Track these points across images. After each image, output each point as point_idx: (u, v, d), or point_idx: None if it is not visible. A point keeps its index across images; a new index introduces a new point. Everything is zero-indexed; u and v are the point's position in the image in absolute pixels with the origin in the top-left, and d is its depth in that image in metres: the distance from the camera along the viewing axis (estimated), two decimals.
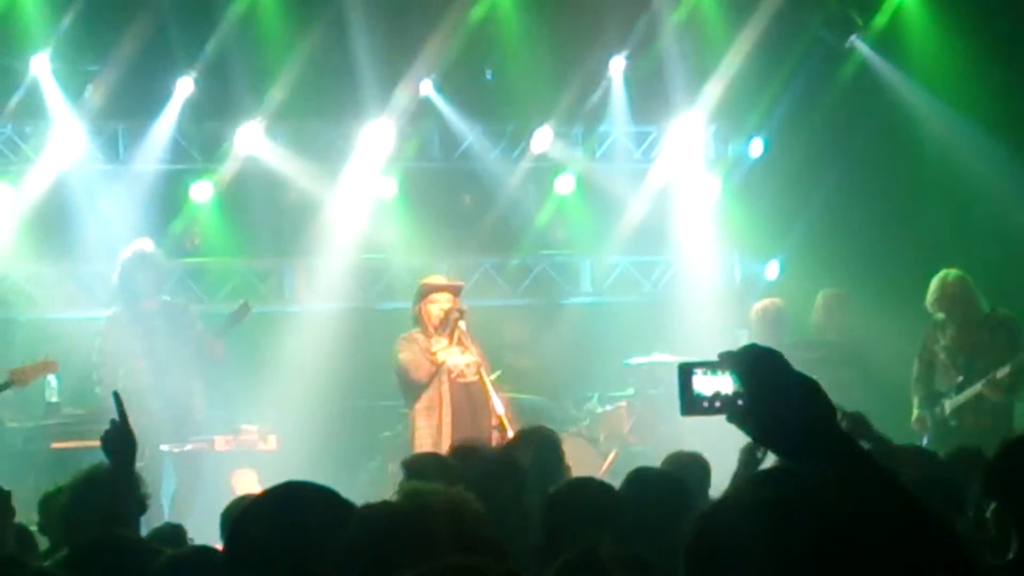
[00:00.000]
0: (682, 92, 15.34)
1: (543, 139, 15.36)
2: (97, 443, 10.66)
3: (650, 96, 15.48)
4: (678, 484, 5.93)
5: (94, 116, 14.04)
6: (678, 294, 15.93)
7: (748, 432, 2.68)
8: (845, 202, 14.60)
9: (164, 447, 11.95)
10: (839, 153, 14.64)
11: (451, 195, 15.72)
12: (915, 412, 11.97)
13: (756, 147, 15.91)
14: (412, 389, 11.45)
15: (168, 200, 14.49)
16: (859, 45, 14.93)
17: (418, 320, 11.65)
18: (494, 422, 11.15)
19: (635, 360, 14.35)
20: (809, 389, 2.68)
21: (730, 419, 2.71)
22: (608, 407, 14.15)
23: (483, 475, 5.92)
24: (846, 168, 14.59)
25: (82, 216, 14.06)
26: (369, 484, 12.34)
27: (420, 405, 11.39)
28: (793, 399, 2.65)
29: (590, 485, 5.99)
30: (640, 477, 6.01)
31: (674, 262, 16.27)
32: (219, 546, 4.19)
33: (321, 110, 14.75)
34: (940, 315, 11.94)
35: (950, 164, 14.16)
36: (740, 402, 2.70)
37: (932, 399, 11.94)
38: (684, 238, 15.95)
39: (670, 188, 15.84)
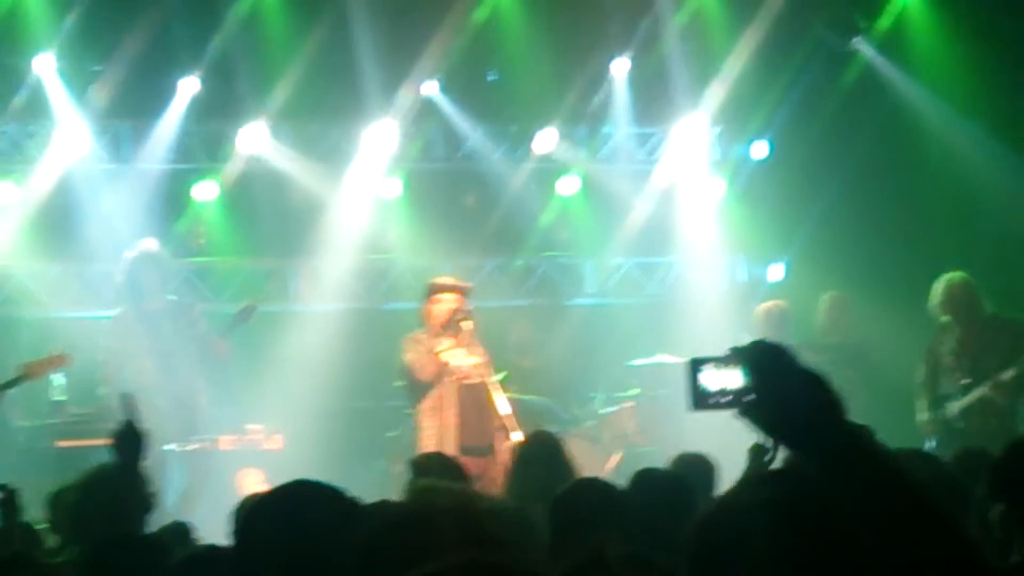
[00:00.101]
0: (686, 94, 15.35)
1: (547, 140, 15.36)
2: (102, 441, 10.72)
3: (654, 97, 15.49)
4: (683, 484, 5.94)
5: (98, 115, 14.06)
6: (682, 296, 15.92)
7: (757, 426, 2.68)
8: (849, 204, 14.60)
9: (169, 446, 11.95)
10: (843, 155, 14.64)
11: (455, 196, 15.74)
12: (921, 415, 11.95)
13: (760, 149, 15.91)
14: (417, 389, 11.44)
15: (172, 200, 14.52)
16: (863, 47, 14.94)
17: (424, 320, 11.65)
18: (499, 423, 11.14)
19: (639, 361, 14.36)
20: (817, 383, 2.69)
21: (739, 414, 2.72)
22: (612, 408, 14.15)
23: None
24: (850, 170, 14.58)
25: (86, 215, 14.08)
26: (373, 484, 12.31)
27: (425, 405, 11.39)
28: (801, 393, 2.66)
29: (596, 485, 5.99)
30: (645, 478, 6.02)
31: (678, 264, 16.27)
32: (226, 544, 4.19)
33: (325, 110, 14.76)
34: (945, 318, 11.93)
35: (954, 166, 14.17)
36: (749, 397, 2.71)
37: (938, 402, 11.92)
38: (688, 240, 15.96)
39: (674, 190, 15.84)
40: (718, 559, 2.63)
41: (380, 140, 14.81)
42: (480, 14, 14.55)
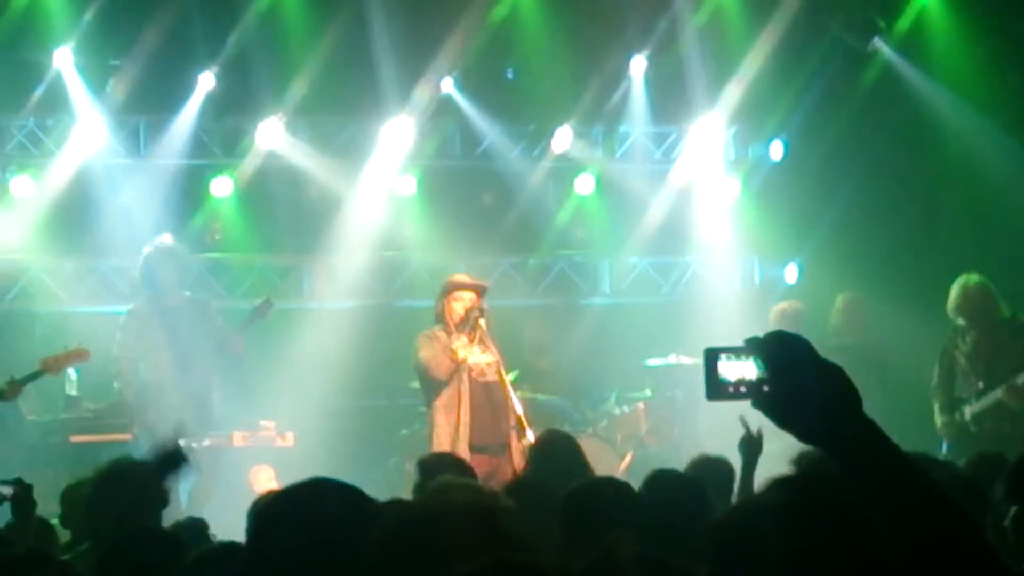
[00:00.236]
0: (702, 93, 15.33)
1: (563, 139, 15.35)
2: (116, 437, 10.80)
3: (670, 97, 15.48)
4: (698, 486, 5.93)
5: (116, 110, 14.07)
6: (697, 296, 15.92)
7: (772, 417, 2.67)
8: (865, 205, 14.58)
9: (181, 442, 11.95)
10: (859, 156, 14.63)
11: (471, 194, 15.73)
12: (936, 418, 11.93)
13: (776, 150, 15.89)
14: (432, 387, 11.43)
15: (189, 195, 14.53)
16: (882, 48, 14.90)
17: (440, 317, 11.64)
18: (512, 422, 11.14)
19: (653, 361, 14.36)
20: (833, 375, 2.67)
21: (755, 404, 2.71)
22: (625, 408, 14.15)
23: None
24: (866, 171, 14.57)
25: (103, 210, 14.10)
26: (386, 482, 12.33)
27: (439, 403, 11.37)
28: (816, 384, 2.65)
29: (609, 485, 5.98)
30: (659, 479, 6.00)
31: (693, 264, 16.27)
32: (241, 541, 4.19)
33: (342, 106, 14.76)
34: (961, 321, 11.91)
35: (972, 167, 14.14)
36: (765, 387, 2.70)
37: (952, 405, 11.90)
38: (703, 240, 15.95)
39: (690, 189, 15.83)
40: (738, 560, 2.63)
41: (396, 137, 14.81)
42: (498, 12, 14.55)
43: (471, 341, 11.46)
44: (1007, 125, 13.81)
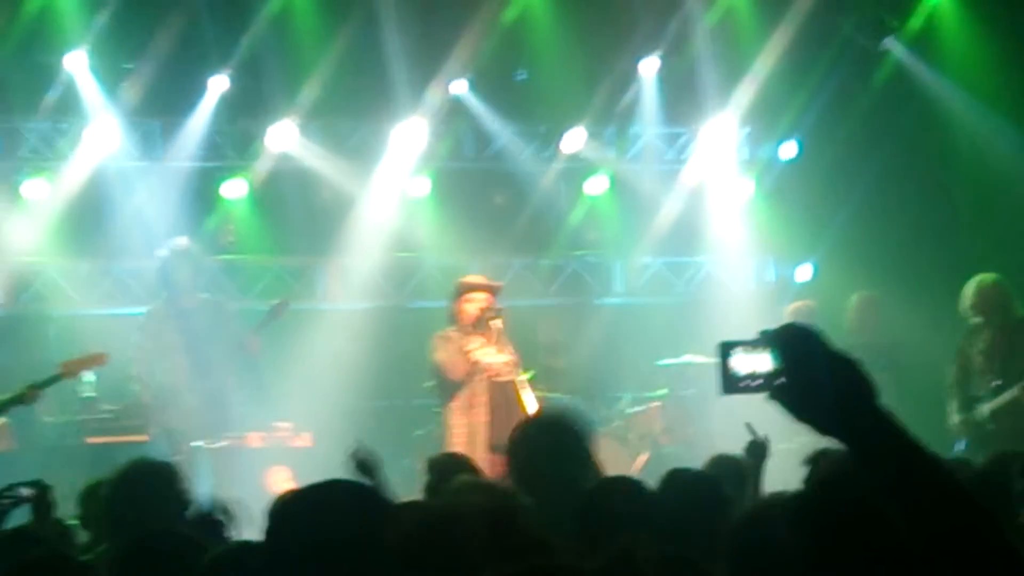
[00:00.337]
0: (715, 93, 15.33)
1: (575, 139, 15.37)
2: (133, 438, 10.81)
3: (682, 97, 15.48)
4: (715, 486, 5.92)
5: (129, 113, 14.10)
6: (710, 296, 15.92)
7: (787, 410, 2.67)
8: (879, 204, 14.58)
9: (198, 443, 11.99)
10: (873, 155, 14.61)
11: (483, 195, 15.75)
12: (952, 416, 11.92)
13: (789, 149, 15.89)
14: (448, 388, 11.44)
15: (202, 197, 14.56)
16: (894, 47, 14.89)
17: (454, 318, 11.65)
18: None
19: (667, 361, 14.36)
20: (848, 366, 2.67)
21: (769, 397, 2.71)
22: (640, 408, 14.15)
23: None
24: (880, 170, 14.56)
25: (117, 212, 14.13)
26: (401, 483, 12.30)
27: (456, 404, 11.38)
28: (830, 376, 2.64)
29: (624, 484, 5.97)
30: (676, 478, 5.99)
31: (706, 263, 16.27)
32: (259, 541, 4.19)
33: (354, 108, 14.78)
34: (976, 319, 11.89)
35: (985, 165, 14.12)
36: (779, 380, 2.70)
37: (968, 403, 11.88)
38: (717, 240, 15.95)
39: (702, 189, 15.83)
40: (757, 561, 2.63)
41: (409, 138, 14.82)
42: (510, 13, 14.55)
43: (486, 342, 11.47)
44: (1020, 123, 13.78)
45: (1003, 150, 13.90)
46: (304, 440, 12.53)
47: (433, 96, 14.66)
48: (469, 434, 11.25)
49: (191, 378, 12.11)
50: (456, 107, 15.02)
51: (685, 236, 15.81)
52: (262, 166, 14.63)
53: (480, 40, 14.48)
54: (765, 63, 14.83)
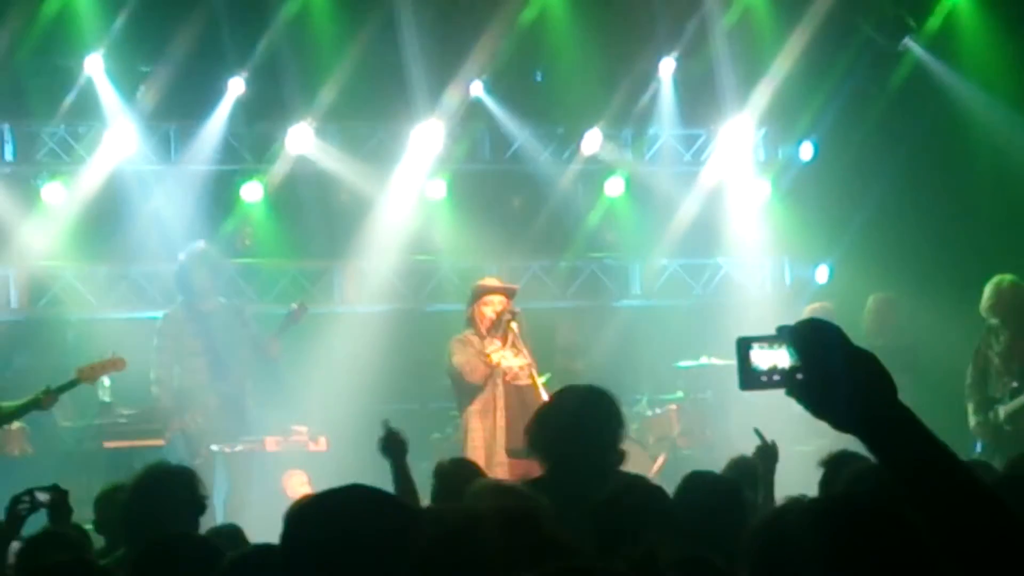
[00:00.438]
0: (732, 95, 15.30)
1: (593, 141, 15.35)
2: (150, 442, 10.81)
3: (700, 99, 15.46)
4: (734, 487, 5.90)
5: (146, 116, 14.10)
6: (727, 297, 15.90)
7: (806, 405, 2.65)
8: (896, 205, 14.54)
9: (215, 447, 12.00)
10: (890, 156, 14.58)
11: (501, 197, 15.73)
12: (970, 418, 11.89)
13: (806, 150, 15.86)
14: (466, 391, 11.43)
15: (219, 200, 14.56)
16: (913, 47, 14.85)
17: (471, 322, 11.64)
18: None
19: (684, 363, 14.34)
20: (867, 361, 2.66)
21: (788, 392, 2.69)
22: (657, 410, 14.14)
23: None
24: (897, 171, 14.53)
25: (134, 216, 14.14)
26: (418, 487, 12.32)
27: (474, 407, 11.37)
28: (849, 371, 2.62)
29: (643, 487, 5.95)
30: (695, 480, 5.98)
31: (724, 265, 16.25)
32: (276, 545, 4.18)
33: (371, 111, 14.77)
34: (994, 320, 11.87)
35: (1003, 165, 14.09)
36: (799, 376, 2.68)
37: (987, 405, 11.86)
38: (734, 241, 15.92)
39: (720, 191, 15.81)
40: (777, 565, 2.61)
41: (426, 141, 14.81)
42: (527, 15, 14.54)
43: (503, 345, 11.46)
44: None
45: (1022, 149, 13.86)
46: (320, 444, 12.53)
47: (451, 98, 14.65)
48: (488, 438, 11.24)
49: (210, 381, 12.13)
50: (474, 109, 15.01)
51: (702, 238, 15.78)
52: (279, 169, 14.62)
53: (498, 42, 14.47)
54: (783, 64, 14.81)
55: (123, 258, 14.31)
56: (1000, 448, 11.03)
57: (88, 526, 7.22)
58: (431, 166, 15.02)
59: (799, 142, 15.86)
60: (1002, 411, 11.75)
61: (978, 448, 11.60)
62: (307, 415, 13.05)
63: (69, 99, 13.77)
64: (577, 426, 6.37)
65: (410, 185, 14.96)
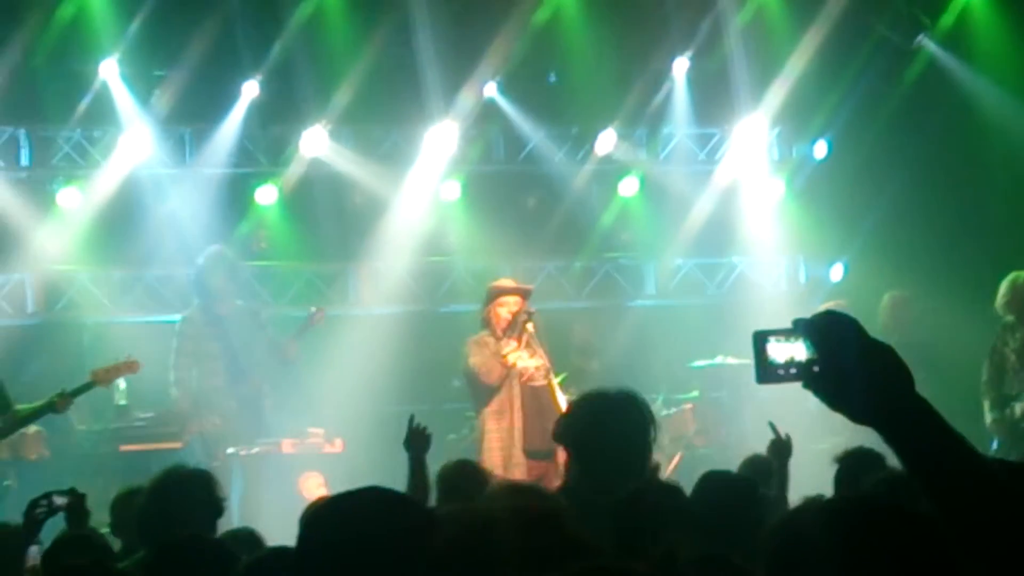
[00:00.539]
0: (746, 94, 15.29)
1: (607, 141, 15.35)
2: (166, 445, 10.81)
3: (714, 98, 15.45)
4: (750, 486, 5.90)
5: (161, 120, 14.12)
6: (743, 296, 15.89)
7: (823, 398, 2.65)
8: (911, 203, 14.51)
9: (231, 450, 12.01)
10: (905, 154, 14.56)
11: (515, 198, 15.74)
12: (986, 415, 11.87)
13: (821, 149, 15.85)
14: (483, 393, 11.43)
15: (234, 203, 14.57)
16: (927, 45, 14.83)
17: (487, 323, 11.65)
18: None
19: (699, 362, 14.33)
20: (883, 354, 2.65)
21: (805, 385, 2.68)
22: (673, 409, 14.13)
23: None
24: (912, 169, 14.50)
25: (149, 219, 14.16)
26: (434, 488, 12.32)
27: (490, 408, 11.37)
28: (866, 363, 2.62)
29: (660, 487, 5.95)
30: (712, 479, 5.98)
31: (739, 264, 16.24)
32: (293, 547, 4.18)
33: (386, 113, 14.78)
34: (1010, 317, 11.85)
35: (1018, 162, 14.05)
36: (815, 369, 2.67)
37: (1003, 402, 11.84)
38: (749, 240, 15.91)
39: (734, 190, 15.80)
40: (794, 564, 2.61)
41: (440, 142, 14.81)
42: (541, 15, 14.54)
43: (519, 345, 11.46)
44: None
45: None
46: (336, 446, 12.55)
47: (465, 100, 14.65)
48: (504, 439, 11.24)
49: (227, 384, 12.16)
50: (488, 110, 15.01)
51: (717, 237, 15.78)
52: (294, 172, 14.64)
53: (511, 43, 14.47)
54: (797, 63, 14.79)
55: (138, 262, 14.33)
56: (1016, 445, 11.01)
57: (105, 529, 7.24)
58: (445, 167, 15.03)
59: (813, 141, 15.85)
60: (1018, 408, 11.72)
61: (994, 445, 11.57)
62: (323, 417, 13.06)
63: (84, 103, 13.80)
64: (609, 436, 6.30)
65: (424, 186, 14.97)
